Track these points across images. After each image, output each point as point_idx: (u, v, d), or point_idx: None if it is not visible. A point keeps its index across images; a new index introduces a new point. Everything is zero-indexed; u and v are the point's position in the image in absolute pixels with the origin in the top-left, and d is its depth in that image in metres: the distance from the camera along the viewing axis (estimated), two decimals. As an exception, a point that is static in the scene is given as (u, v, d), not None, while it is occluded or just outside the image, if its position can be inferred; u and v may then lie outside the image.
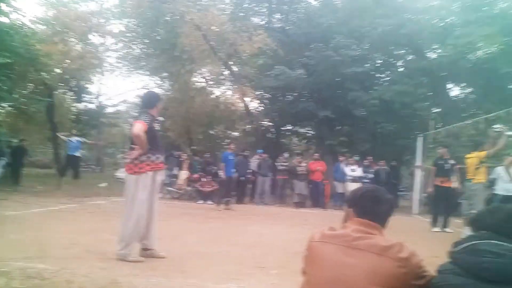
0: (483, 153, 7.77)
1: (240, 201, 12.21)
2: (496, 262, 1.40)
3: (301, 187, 12.72)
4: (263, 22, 18.15)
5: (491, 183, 8.59)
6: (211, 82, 19.14)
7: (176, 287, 3.41)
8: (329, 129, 16.11)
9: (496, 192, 8.38)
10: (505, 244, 1.46)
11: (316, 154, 14.06)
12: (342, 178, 12.93)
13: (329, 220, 8.79)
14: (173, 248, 4.73)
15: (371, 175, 13.07)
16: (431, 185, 9.02)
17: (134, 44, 17.19)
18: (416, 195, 13.14)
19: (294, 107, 15.87)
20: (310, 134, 18.96)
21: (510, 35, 13.10)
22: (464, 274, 1.45)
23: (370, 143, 15.65)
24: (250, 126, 18.89)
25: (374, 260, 1.55)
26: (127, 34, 16.65)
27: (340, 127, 16.80)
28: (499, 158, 8.97)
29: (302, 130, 19.16)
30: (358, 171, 12.95)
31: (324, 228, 1.79)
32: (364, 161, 13.59)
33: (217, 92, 19.78)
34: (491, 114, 11.23)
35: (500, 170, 8.26)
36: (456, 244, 1.58)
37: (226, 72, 17.77)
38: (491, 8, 14.33)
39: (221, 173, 10.90)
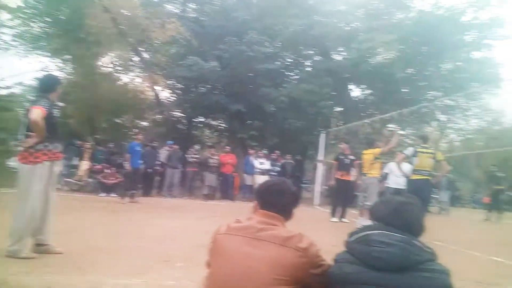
0: (377, 150, 8.50)
1: (147, 193, 11.83)
2: (385, 252, 1.48)
3: (211, 179, 12.77)
4: (177, 11, 17.73)
5: (384, 177, 9.47)
6: (119, 68, 18.19)
7: (72, 285, 3.19)
8: (241, 123, 16.37)
9: (388, 186, 9.28)
10: (393, 234, 1.54)
11: (228, 147, 14.22)
12: (251, 170, 13.24)
13: (238, 212, 8.97)
14: (71, 243, 4.44)
15: (278, 168, 13.57)
16: (333, 178, 9.66)
17: (33, 21, 15.60)
18: (318, 187, 13.99)
19: (206, 99, 15.81)
20: (222, 127, 19.07)
21: (405, 43, 14.50)
22: (357, 262, 1.52)
23: (278, 137, 16.23)
24: (160, 116, 18.38)
25: (276, 251, 1.61)
26: (26, 11, 15.06)
27: (251, 121, 17.16)
28: (391, 154, 9.92)
29: (214, 123, 19.17)
30: (266, 164, 13.37)
31: (230, 220, 1.83)
32: (272, 154, 14.06)
33: (125, 78, 18.85)
34: (386, 115, 12.31)
35: (392, 166, 9.08)
36: (351, 234, 1.65)
37: (136, 59, 17.06)
38: (390, 17, 15.72)
39: (127, 164, 10.46)
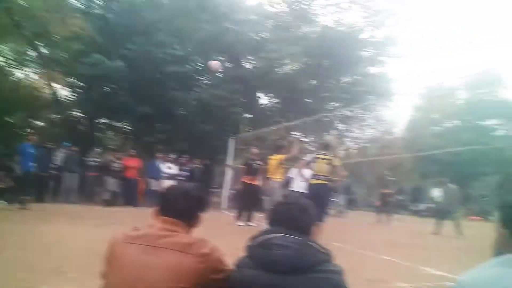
0: (282, 156, 8.84)
1: (40, 199, 10.82)
2: (283, 255, 1.50)
3: (113, 184, 12.12)
4: (82, 6, 16.63)
5: (287, 181, 9.88)
6: (12, 62, 16.49)
7: None
8: (148, 125, 15.85)
9: (292, 189, 9.69)
10: (291, 236, 1.56)
11: (133, 151, 13.61)
12: (158, 175, 12.88)
13: (141, 219, 8.59)
14: None
15: (186, 173, 13.39)
16: (240, 182, 9.84)
17: None
18: (225, 191, 14.09)
19: (111, 100, 15.01)
20: (127, 130, 18.27)
21: (309, 56, 15.36)
22: (257, 267, 1.53)
23: (187, 142, 16.04)
24: (58, 116, 17.01)
25: (175, 258, 1.57)
26: None
27: (159, 124, 16.72)
28: (295, 160, 10.40)
29: (118, 125, 18.30)
30: (174, 169, 13.11)
31: (128, 228, 1.74)
32: (180, 159, 13.84)
33: (19, 74, 17.15)
34: (291, 123, 12.91)
35: (294, 171, 9.53)
36: (252, 238, 1.65)
37: (33, 53, 15.62)
38: (296, 30, 16.54)
39: (17, 167, 9.45)
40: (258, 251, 1.57)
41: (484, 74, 25.48)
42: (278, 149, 9.22)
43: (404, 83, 40.76)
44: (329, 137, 10.22)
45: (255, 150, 10.02)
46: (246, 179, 9.53)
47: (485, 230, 8.98)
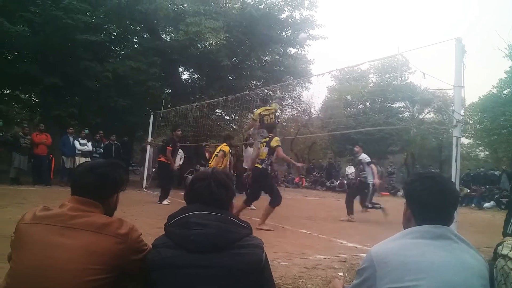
0: (226, 148, 8.33)
1: None
2: (202, 234, 1.48)
3: (21, 161, 11.11)
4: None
5: None
6: None
7: None
8: (58, 98, 14.61)
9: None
10: (210, 213, 1.54)
11: (42, 125, 12.48)
12: (71, 152, 12.07)
13: (53, 198, 8.08)
14: None
15: (101, 150, 12.74)
16: (158, 162, 9.85)
17: None
18: (146, 170, 13.68)
19: (13, 68, 13.52)
20: (35, 102, 16.74)
21: (231, 33, 15.19)
22: (175, 246, 1.50)
23: (102, 117, 15.15)
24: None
25: (91, 239, 1.49)
26: None
27: (70, 97, 15.51)
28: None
29: (24, 96, 16.68)
30: (88, 146, 12.39)
31: (37, 207, 1.60)
32: (96, 135, 13.09)
33: None
34: (213, 100, 12.77)
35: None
36: (170, 217, 1.60)
37: None
38: (216, 4, 16.21)
39: None
40: (176, 231, 1.53)
41: (393, 59, 27.45)
42: (227, 139, 8.83)
43: (320, 65, 42.39)
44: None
45: (179, 132, 10.11)
46: (163, 158, 9.59)
47: (393, 205, 9.88)
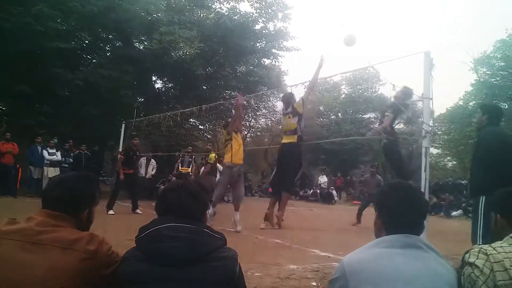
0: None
1: None
2: (173, 247, 1.44)
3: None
4: None
5: None
6: None
7: None
8: (26, 106, 14.20)
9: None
10: (182, 225, 1.51)
11: (8, 134, 12.06)
12: (39, 162, 11.74)
13: (20, 210, 7.79)
14: None
15: (71, 160, 12.45)
16: (117, 172, 9.68)
17: None
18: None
19: (-21, 76, 13.10)
20: (2, 110, 16.22)
21: (205, 42, 15.23)
22: (147, 260, 1.46)
23: (72, 125, 14.81)
24: None
25: (58, 256, 1.44)
26: None
27: (39, 105, 15.10)
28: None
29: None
30: (57, 155, 12.08)
31: (1, 221, 1.55)
32: (65, 144, 12.78)
33: None
34: (187, 109, 12.72)
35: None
36: (142, 229, 1.56)
37: None
38: (191, 14, 16.24)
39: None
40: (147, 244, 1.50)
41: (364, 72, 28.11)
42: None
43: (294, 76, 42.99)
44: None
45: (136, 141, 10.17)
46: (124, 169, 9.51)
47: (365, 214, 10.04)
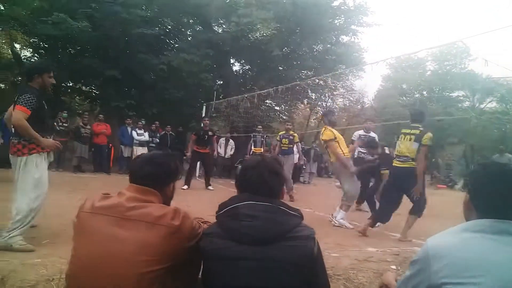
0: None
1: (4, 166, 10.37)
2: (251, 226, 1.48)
3: (82, 150, 11.82)
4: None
5: None
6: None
7: None
8: (116, 90, 15.35)
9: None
10: (259, 203, 1.54)
11: (101, 116, 13.21)
12: (129, 142, 12.64)
13: (112, 186, 8.53)
14: None
15: (157, 140, 13.20)
16: (191, 151, 10.09)
17: None
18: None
19: (76, 62, 14.38)
20: (95, 94, 17.68)
21: (282, 22, 15.09)
22: (226, 237, 1.50)
23: (157, 108, 15.70)
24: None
25: (146, 231, 1.53)
26: None
27: (127, 89, 16.22)
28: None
29: (85, 89, 17.66)
30: (145, 136, 12.89)
31: (96, 196, 1.68)
32: (152, 125, 13.60)
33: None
34: (264, 91, 12.80)
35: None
36: (221, 206, 1.61)
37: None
38: (268, -6, 16.12)
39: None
40: (227, 221, 1.55)
41: (452, 46, 25.96)
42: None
43: (374, 53, 41.03)
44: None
45: (206, 121, 10.42)
46: (196, 148, 9.93)
47: (449, 199, 9.42)
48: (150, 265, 1.49)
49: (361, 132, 8.19)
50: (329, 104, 26.16)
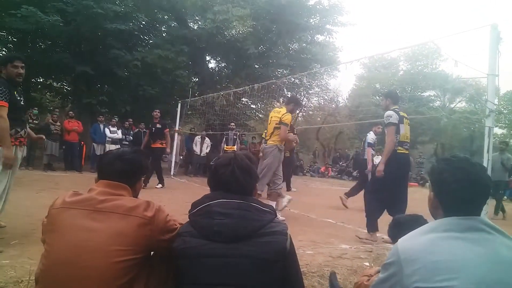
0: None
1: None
2: (224, 224, 1.48)
3: (52, 147, 11.49)
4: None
5: None
6: None
7: None
8: (88, 86, 15.01)
9: None
10: (231, 201, 1.54)
11: (71, 112, 12.84)
12: (101, 139, 12.39)
13: (84, 184, 8.34)
14: None
15: (130, 138, 13.00)
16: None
17: None
18: (174, 158, 13.90)
19: (47, 57, 13.96)
20: (66, 90, 17.22)
21: (258, 20, 15.10)
22: (199, 235, 1.51)
23: (131, 105, 15.44)
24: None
25: (119, 221, 1.54)
26: None
27: (100, 85, 15.87)
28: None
29: (56, 85, 17.18)
30: (118, 133, 12.67)
31: (67, 193, 1.67)
32: (125, 123, 13.37)
33: None
34: (240, 88, 12.78)
35: None
36: (193, 205, 1.61)
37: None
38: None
39: None
40: (199, 220, 1.55)
41: (424, 47, 26.62)
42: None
43: (349, 52, 41.62)
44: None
45: (156, 113, 9.63)
46: (151, 143, 9.35)
47: (421, 196, 9.64)
48: (123, 255, 1.49)
49: (373, 136, 8.31)
50: (304, 103, 26.41)
